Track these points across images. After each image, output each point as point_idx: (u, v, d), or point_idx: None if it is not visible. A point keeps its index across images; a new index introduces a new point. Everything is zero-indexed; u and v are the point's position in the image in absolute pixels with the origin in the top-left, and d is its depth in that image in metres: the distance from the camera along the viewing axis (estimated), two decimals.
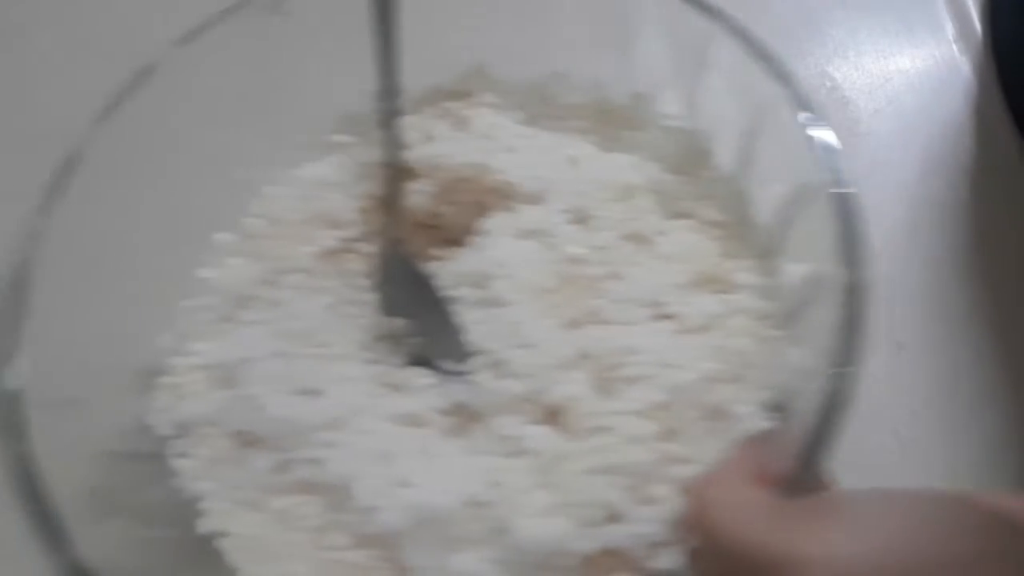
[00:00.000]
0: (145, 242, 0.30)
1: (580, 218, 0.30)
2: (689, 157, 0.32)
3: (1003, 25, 0.40)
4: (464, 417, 0.28)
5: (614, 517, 0.25)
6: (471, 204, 0.32)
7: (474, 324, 0.29)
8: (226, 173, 0.31)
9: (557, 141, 0.33)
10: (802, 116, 0.27)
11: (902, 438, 0.33)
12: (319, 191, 0.32)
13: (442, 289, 0.30)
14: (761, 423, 0.26)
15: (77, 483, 0.25)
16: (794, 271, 0.28)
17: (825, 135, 0.26)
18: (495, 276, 0.29)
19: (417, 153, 0.32)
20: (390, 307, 0.30)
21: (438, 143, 0.32)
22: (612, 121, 0.33)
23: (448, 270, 0.30)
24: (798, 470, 0.22)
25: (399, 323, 0.29)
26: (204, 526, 0.27)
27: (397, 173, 0.30)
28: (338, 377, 0.28)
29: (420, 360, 0.29)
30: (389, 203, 0.30)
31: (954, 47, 0.41)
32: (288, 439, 0.27)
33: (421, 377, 0.29)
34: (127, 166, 0.29)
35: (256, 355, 0.28)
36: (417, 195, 0.32)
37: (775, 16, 0.42)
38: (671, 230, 0.30)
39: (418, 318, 0.29)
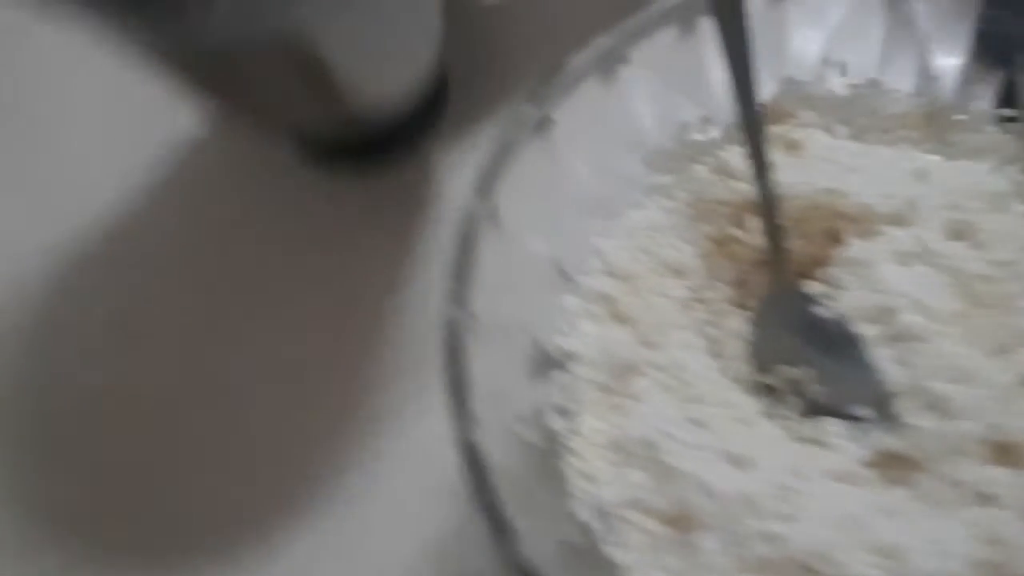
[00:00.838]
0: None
1: (960, 234, 0.28)
2: None
3: None
4: (899, 465, 0.26)
5: None
6: (821, 233, 0.30)
7: (889, 363, 0.27)
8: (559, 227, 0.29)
9: (894, 155, 0.31)
10: None
11: None
12: (654, 239, 0.30)
13: (835, 328, 0.28)
14: None
15: None
16: None
17: None
18: (898, 308, 0.27)
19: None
20: (781, 355, 0.28)
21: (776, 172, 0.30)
22: (940, 127, 0.31)
23: (834, 307, 0.28)
24: None
25: (797, 371, 0.27)
26: None
27: (773, 208, 0.28)
28: (759, 439, 0.26)
29: (821, 409, 0.27)
30: (772, 242, 0.28)
31: None
32: (736, 515, 0.24)
33: (831, 427, 0.27)
34: None
35: (670, 427, 0.26)
36: (755, 232, 0.30)
37: None
38: None
39: (815, 363, 0.27)
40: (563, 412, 0.27)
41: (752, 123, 0.28)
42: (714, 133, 0.31)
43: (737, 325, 0.30)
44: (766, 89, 0.31)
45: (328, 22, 0.28)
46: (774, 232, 0.28)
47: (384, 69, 0.33)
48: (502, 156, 0.27)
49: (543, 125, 0.28)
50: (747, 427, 0.27)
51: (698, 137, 0.32)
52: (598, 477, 0.26)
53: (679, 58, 0.30)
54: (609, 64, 0.29)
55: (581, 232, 0.30)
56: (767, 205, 0.28)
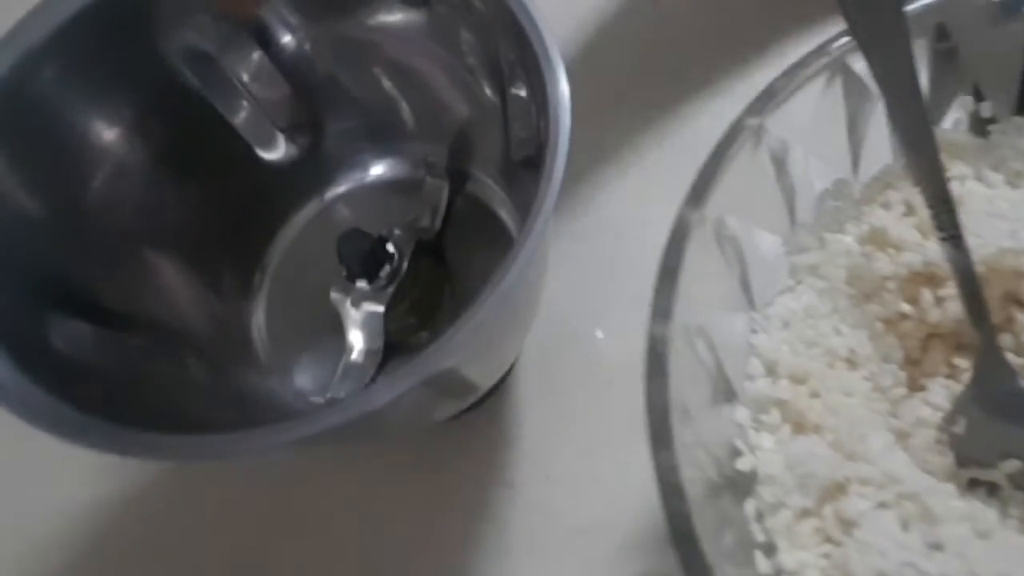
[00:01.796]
0: None
1: None
2: None
3: None
4: None
5: None
6: (1001, 298, 0.27)
7: None
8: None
9: None
10: None
11: None
12: (816, 328, 0.27)
13: None
14: None
15: None
16: None
17: None
18: None
19: (925, 253, 0.26)
20: (1000, 445, 0.24)
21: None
22: None
23: None
24: None
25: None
26: None
27: (973, 278, 0.25)
28: (1010, 555, 0.22)
29: None
30: (976, 316, 0.25)
31: None
32: None
33: None
34: None
35: (911, 557, 0.22)
36: (929, 306, 0.26)
37: None
38: None
39: None
40: (767, 549, 0.23)
41: (932, 171, 0.24)
42: (855, 194, 0.28)
43: (918, 412, 0.26)
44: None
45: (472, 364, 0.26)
46: (977, 304, 0.24)
47: (511, 352, 0.31)
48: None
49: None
50: (989, 541, 0.23)
51: (836, 203, 0.28)
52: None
53: (811, 119, 0.27)
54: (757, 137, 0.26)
55: (728, 330, 0.26)
56: (967, 275, 0.24)
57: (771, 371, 0.26)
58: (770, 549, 0.23)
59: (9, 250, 0.26)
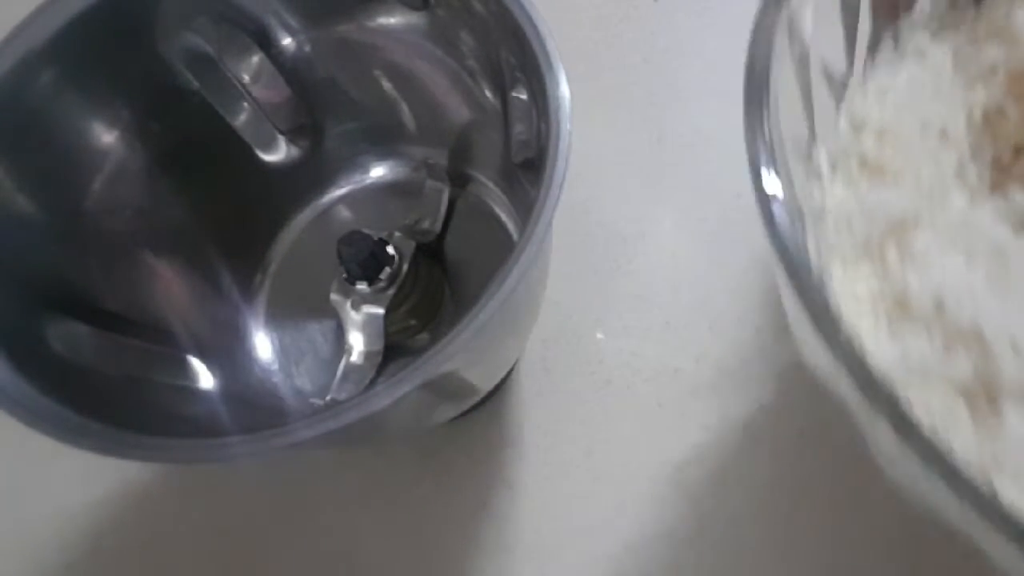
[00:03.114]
0: None
1: None
2: None
3: None
4: None
5: None
6: None
7: None
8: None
9: None
10: None
11: None
12: (914, 99, 0.26)
13: None
14: None
15: None
16: None
17: None
18: None
19: None
20: None
21: None
22: None
23: None
24: None
25: None
26: None
27: None
28: None
29: None
30: None
31: None
32: None
33: None
34: None
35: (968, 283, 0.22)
36: None
37: None
38: None
39: None
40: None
41: None
42: None
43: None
44: None
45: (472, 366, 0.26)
46: None
47: (512, 354, 0.31)
48: None
49: None
50: None
51: None
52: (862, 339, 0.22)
53: None
54: None
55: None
56: None
57: (858, 127, 0.25)
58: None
59: (8, 252, 0.26)
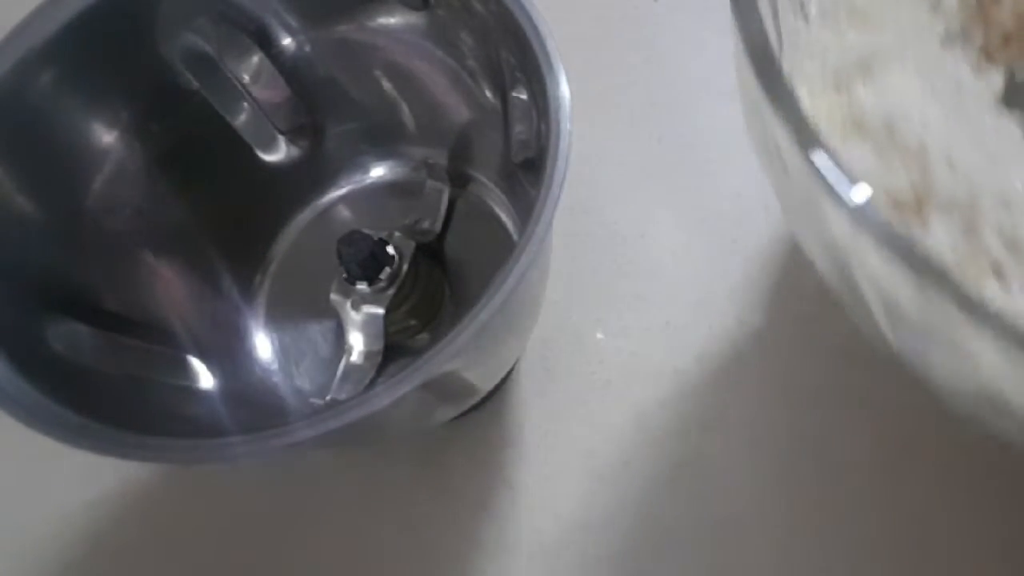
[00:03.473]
0: None
1: None
2: None
3: None
4: None
5: None
6: None
7: None
8: None
9: None
10: None
11: None
12: None
13: None
14: None
15: None
16: None
17: None
18: None
19: None
20: None
21: None
22: None
23: None
24: None
25: None
26: None
27: None
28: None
29: None
30: None
31: None
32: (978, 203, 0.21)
33: None
34: None
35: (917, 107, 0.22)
36: None
37: None
38: None
39: None
40: None
41: None
42: None
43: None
44: None
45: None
46: None
47: (512, 354, 0.31)
48: None
49: None
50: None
51: None
52: None
53: None
54: None
55: None
56: None
57: None
58: None
59: (8, 252, 0.26)
